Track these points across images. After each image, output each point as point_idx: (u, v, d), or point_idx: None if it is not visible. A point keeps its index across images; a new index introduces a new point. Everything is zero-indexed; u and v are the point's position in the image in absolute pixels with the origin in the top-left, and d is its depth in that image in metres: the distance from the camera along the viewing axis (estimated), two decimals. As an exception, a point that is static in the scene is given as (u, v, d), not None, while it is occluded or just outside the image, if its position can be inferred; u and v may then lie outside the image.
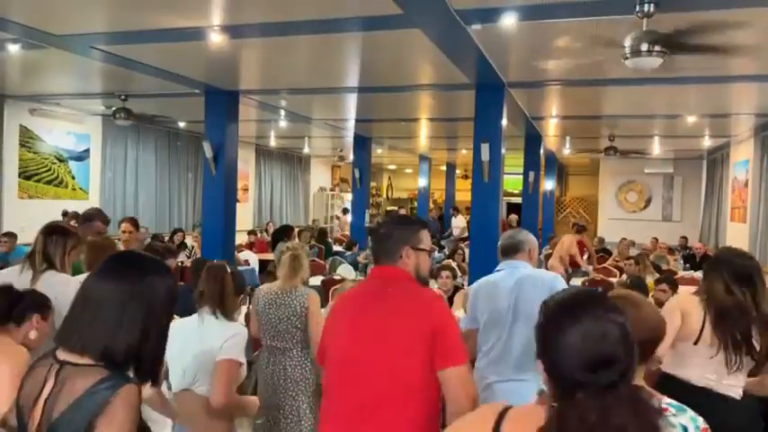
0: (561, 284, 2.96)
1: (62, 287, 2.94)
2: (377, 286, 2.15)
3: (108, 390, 1.41)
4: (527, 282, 2.97)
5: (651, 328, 1.76)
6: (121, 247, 5.87)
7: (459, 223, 14.31)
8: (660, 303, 5.01)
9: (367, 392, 1.96)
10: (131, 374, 1.51)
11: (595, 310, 1.27)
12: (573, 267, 9.45)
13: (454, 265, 7.48)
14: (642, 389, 1.32)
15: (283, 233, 8.28)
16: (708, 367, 2.72)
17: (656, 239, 11.89)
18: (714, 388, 2.71)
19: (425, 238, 2.18)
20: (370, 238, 2.31)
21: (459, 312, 4.86)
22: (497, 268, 3.19)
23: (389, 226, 2.24)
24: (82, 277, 3.69)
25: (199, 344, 2.61)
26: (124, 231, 5.97)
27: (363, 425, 1.96)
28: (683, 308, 2.79)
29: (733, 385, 2.73)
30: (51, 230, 3.16)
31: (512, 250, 3.16)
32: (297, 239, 8.54)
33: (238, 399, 2.67)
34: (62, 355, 1.51)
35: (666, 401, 1.61)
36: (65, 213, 6.27)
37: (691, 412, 1.58)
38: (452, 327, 2.02)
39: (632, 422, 1.17)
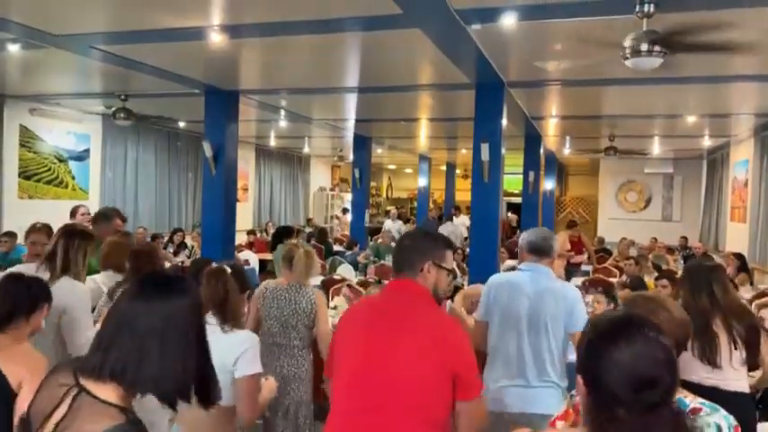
0: (581, 303, 2.99)
1: (72, 295, 2.89)
2: (394, 300, 2.11)
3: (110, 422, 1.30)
4: (549, 295, 2.93)
5: (683, 327, 1.82)
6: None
7: (464, 222, 14.28)
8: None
9: (376, 412, 1.92)
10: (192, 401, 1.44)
11: (647, 332, 1.30)
12: (570, 266, 9.43)
13: (454, 265, 7.48)
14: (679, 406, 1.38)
15: (283, 235, 8.27)
16: (705, 368, 2.95)
17: (656, 239, 11.90)
18: (720, 386, 2.91)
19: (449, 257, 2.18)
20: (391, 246, 2.30)
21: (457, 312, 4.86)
22: (521, 267, 3.10)
23: (416, 238, 2.22)
24: (99, 278, 3.68)
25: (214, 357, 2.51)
26: (83, 215, 6.10)
27: None
28: None
29: (737, 380, 2.97)
30: (73, 233, 3.06)
31: (542, 253, 3.05)
32: (295, 238, 8.55)
33: (263, 403, 2.61)
34: (82, 379, 1.38)
35: (700, 401, 1.64)
36: (73, 212, 6.30)
37: (723, 411, 1.61)
38: (470, 359, 2.00)
39: None
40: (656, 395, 1.24)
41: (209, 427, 2.41)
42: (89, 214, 6.11)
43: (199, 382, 1.47)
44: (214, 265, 2.79)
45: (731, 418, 1.60)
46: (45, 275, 2.94)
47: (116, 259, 3.62)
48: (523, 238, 3.17)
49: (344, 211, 17.27)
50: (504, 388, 2.89)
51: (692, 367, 2.92)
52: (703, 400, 1.65)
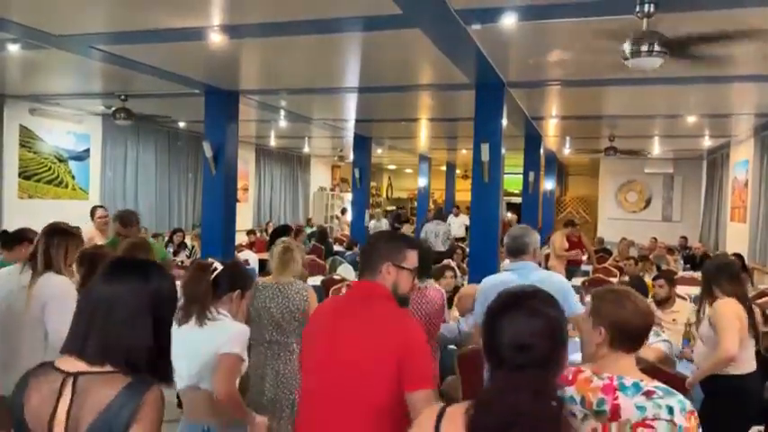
0: (571, 291, 3.14)
1: (53, 290, 2.94)
2: (354, 301, 2.17)
3: (137, 395, 1.42)
4: (537, 285, 3.00)
5: (647, 317, 1.91)
6: (97, 235, 6.04)
7: (462, 222, 14.28)
8: (659, 300, 5.05)
9: (335, 410, 1.98)
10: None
11: (530, 303, 1.51)
12: (570, 266, 9.41)
13: (453, 264, 7.48)
14: (554, 378, 1.48)
15: (281, 234, 8.31)
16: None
17: (656, 239, 11.89)
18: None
19: (411, 257, 2.17)
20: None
21: (456, 313, 4.87)
22: (506, 268, 3.28)
23: (376, 240, 2.26)
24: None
25: (204, 344, 2.58)
26: (100, 218, 6.22)
27: None
28: (739, 313, 3.40)
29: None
30: (53, 231, 3.13)
31: (518, 252, 3.24)
32: (295, 240, 8.58)
33: (240, 398, 2.66)
34: (70, 365, 1.47)
35: (654, 385, 1.70)
36: (92, 213, 6.43)
37: (679, 396, 1.67)
38: (423, 349, 2.01)
39: (527, 403, 1.36)
40: (527, 358, 1.41)
41: (212, 415, 2.56)
42: (107, 217, 6.29)
43: (165, 361, 1.57)
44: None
45: (687, 402, 1.66)
46: (28, 275, 2.99)
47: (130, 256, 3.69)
48: (505, 243, 3.35)
49: (343, 211, 17.28)
50: None
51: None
52: (659, 384, 1.71)
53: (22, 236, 4.20)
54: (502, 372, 1.43)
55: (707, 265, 3.84)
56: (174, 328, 2.45)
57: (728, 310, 3.39)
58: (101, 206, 6.85)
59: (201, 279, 2.70)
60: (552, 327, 1.47)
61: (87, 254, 3.38)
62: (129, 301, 1.51)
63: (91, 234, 6.29)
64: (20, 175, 9.25)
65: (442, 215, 13.17)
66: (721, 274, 3.54)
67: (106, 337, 1.48)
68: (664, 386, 1.71)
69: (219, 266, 2.78)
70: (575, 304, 3.03)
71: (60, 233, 3.13)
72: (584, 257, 9.97)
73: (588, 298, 2.03)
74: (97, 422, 1.40)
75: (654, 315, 2.04)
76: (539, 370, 1.41)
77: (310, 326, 2.23)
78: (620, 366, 1.78)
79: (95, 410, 1.41)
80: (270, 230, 12.67)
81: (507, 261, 3.39)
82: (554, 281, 3.17)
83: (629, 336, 1.83)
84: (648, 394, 1.66)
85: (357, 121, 10.51)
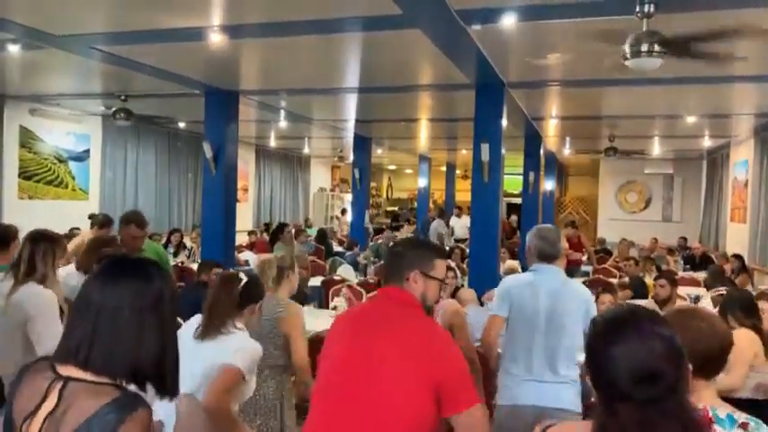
0: (593, 303, 3.14)
1: (38, 303, 2.86)
2: (383, 308, 2.05)
3: (122, 412, 1.29)
4: (566, 294, 3.04)
5: (717, 337, 1.77)
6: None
7: (465, 223, 14.29)
8: (660, 300, 5.06)
9: (353, 425, 1.85)
10: (146, 392, 1.41)
11: (642, 325, 1.31)
12: (570, 266, 9.41)
13: (453, 265, 7.48)
14: (690, 404, 1.33)
15: (278, 233, 8.40)
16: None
17: (656, 240, 11.89)
18: None
19: (440, 267, 2.10)
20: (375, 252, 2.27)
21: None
22: (533, 269, 3.14)
23: (406, 246, 2.18)
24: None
25: (214, 355, 2.49)
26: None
27: None
28: (753, 343, 3.48)
29: None
30: (38, 238, 3.01)
31: (552, 257, 3.12)
32: (294, 240, 8.59)
33: (234, 413, 2.53)
34: (64, 370, 1.37)
35: (746, 416, 1.61)
36: (91, 216, 6.43)
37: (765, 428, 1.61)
38: (459, 367, 1.89)
39: None
40: (658, 389, 1.24)
41: (200, 421, 2.41)
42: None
43: (172, 372, 1.45)
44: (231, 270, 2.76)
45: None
46: (9, 283, 2.90)
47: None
48: (533, 243, 3.14)
49: (343, 211, 17.28)
50: (517, 382, 2.97)
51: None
52: (749, 415, 1.63)
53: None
54: (628, 405, 1.25)
55: (725, 296, 4.04)
56: (190, 340, 2.40)
57: (743, 340, 3.41)
58: (104, 216, 6.83)
59: (230, 292, 2.61)
60: (675, 348, 1.30)
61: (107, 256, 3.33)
62: (134, 305, 1.40)
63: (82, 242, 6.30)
64: (20, 175, 9.25)
65: (445, 215, 13.30)
66: (735, 305, 3.65)
67: (112, 346, 1.37)
68: (755, 418, 1.62)
69: (245, 278, 2.70)
70: None
71: (46, 240, 3.02)
72: (584, 258, 9.98)
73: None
74: None
75: (732, 336, 1.87)
76: (674, 399, 1.26)
77: (330, 337, 2.09)
78: (705, 397, 1.65)
79: (77, 420, 1.29)
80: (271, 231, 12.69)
81: (531, 263, 3.22)
82: (582, 294, 3.12)
83: (708, 361, 1.67)
84: (743, 426, 1.58)
85: (357, 121, 10.51)
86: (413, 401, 1.81)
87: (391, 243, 10.33)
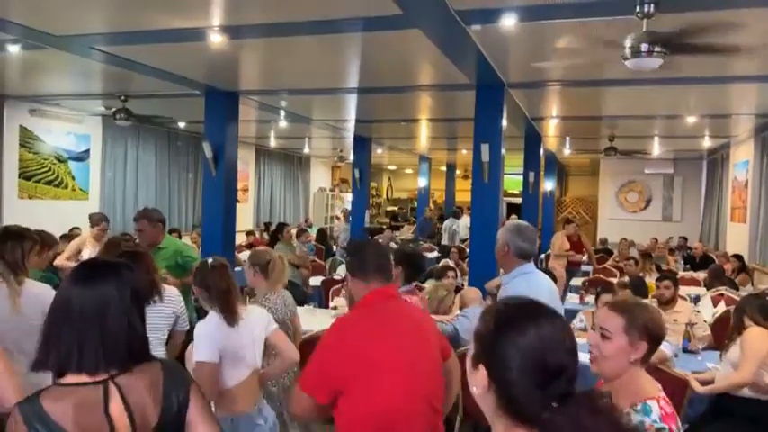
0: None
1: (50, 293, 2.81)
2: (400, 306, 2.38)
3: (179, 372, 1.61)
4: (554, 291, 3.13)
5: (661, 327, 1.93)
6: (90, 242, 6.26)
7: (465, 223, 14.31)
8: (663, 301, 5.05)
9: (424, 387, 2.17)
10: None
11: (553, 317, 1.22)
12: (570, 266, 9.41)
13: (452, 264, 7.48)
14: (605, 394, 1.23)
15: (278, 233, 8.43)
16: None
17: (656, 240, 11.89)
18: None
19: None
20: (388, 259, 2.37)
21: (457, 311, 4.88)
22: (527, 270, 3.00)
23: (383, 248, 2.56)
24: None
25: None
26: (101, 229, 6.49)
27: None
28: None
29: None
30: (5, 236, 2.98)
31: (531, 257, 3.05)
32: (294, 240, 8.60)
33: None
34: (90, 377, 1.47)
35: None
36: (91, 218, 6.54)
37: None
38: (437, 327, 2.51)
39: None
40: (564, 385, 1.13)
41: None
42: (106, 231, 6.49)
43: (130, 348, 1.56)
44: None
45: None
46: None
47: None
48: (513, 242, 2.99)
49: (342, 212, 17.27)
50: None
51: None
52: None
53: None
54: (539, 408, 1.11)
55: (743, 298, 4.08)
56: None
57: (758, 338, 3.47)
58: (100, 214, 6.87)
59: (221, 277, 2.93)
60: (576, 344, 1.22)
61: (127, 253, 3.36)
62: (119, 304, 1.52)
63: (83, 240, 6.33)
64: (20, 175, 9.24)
65: (456, 214, 13.56)
66: (754, 306, 3.68)
67: (103, 346, 1.48)
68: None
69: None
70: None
71: (12, 237, 2.99)
72: (584, 257, 9.99)
73: (606, 318, 1.95)
74: (167, 398, 1.52)
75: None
76: (590, 399, 1.14)
77: (366, 334, 2.17)
78: (647, 388, 1.79)
79: (155, 391, 1.51)
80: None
81: (508, 263, 3.10)
82: (550, 281, 3.17)
83: (657, 344, 1.84)
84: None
85: (357, 121, 10.50)
86: (440, 362, 2.30)
87: (392, 244, 10.37)
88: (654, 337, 1.86)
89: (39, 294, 2.84)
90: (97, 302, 1.51)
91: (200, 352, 2.66)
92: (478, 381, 1.18)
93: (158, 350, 3.17)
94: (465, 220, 14.19)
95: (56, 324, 1.51)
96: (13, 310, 2.78)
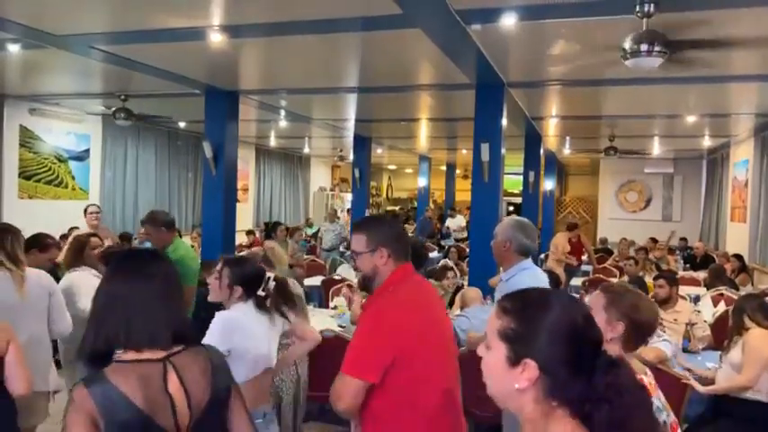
0: None
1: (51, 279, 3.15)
2: (425, 281, 2.42)
3: (215, 353, 1.72)
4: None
5: (653, 314, 1.99)
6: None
7: (459, 223, 14.32)
8: (660, 299, 5.05)
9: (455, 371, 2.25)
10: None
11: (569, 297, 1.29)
12: (568, 266, 9.42)
13: (452, 264, 7.49)
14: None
15: (273, 231, 8.51)
16: None
17: (655, 240, 11.85)
18: None
19: None
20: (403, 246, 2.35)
21: (457, 311, 4.88)
22: (527, 266, 3.04)
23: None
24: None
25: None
26: (91, 213, 6.50)
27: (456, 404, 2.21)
28: None
29: None
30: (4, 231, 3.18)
31: (531, 253, 3.08)
32: (290, 238, 8.66)
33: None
34: (148, 354, 1.59)
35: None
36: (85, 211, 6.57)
37: None
38: None
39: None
40: (604, 356, 1.17)
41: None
42: (98, 213, 6.50)
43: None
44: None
45: None
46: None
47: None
48: (516, 239, 3.02)
49: (348, 211, 17.26)
50: None
51: None
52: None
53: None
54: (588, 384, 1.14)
55: (740, 297, 4.08)
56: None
57: (760, 340, 3.47)
58: (93, 204, 6.91)
59: None
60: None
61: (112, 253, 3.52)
62: (173, 286, 1.71)
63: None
64: (20, 175, 9.24)
65: (451, 214, 13.81)
66: (755, 306, 3.67)
67: (174, 322, 1.65)
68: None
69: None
70: None
71: (6, 230, 3.19)
72: (584, 257, 9.99)
73: (593, 296, 2.03)
74: (215, 383, 1.62)
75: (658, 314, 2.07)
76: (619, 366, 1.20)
77: (414, 330, 2.11)
78: (635, 366, 1.79)
79: (206, 377, 1.62)
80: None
81: (507, 260, 3.14)
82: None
83: (642, 333, 1.85)
84: None
85: (357, 120, 10.50)
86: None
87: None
88: (635, 323, 1.89)
89: (39, 278, 3.12)
90: (139, 289, 1.63)
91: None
92: (524, 376, 1.17)
93: None
94: (457, 220, 14.21)
95: (103, 309, 1.64)
96: (21, 297, 2.99)
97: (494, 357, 1.22)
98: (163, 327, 1.61)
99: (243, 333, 2.70)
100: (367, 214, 12.30)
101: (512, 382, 1.18)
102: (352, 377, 2.03)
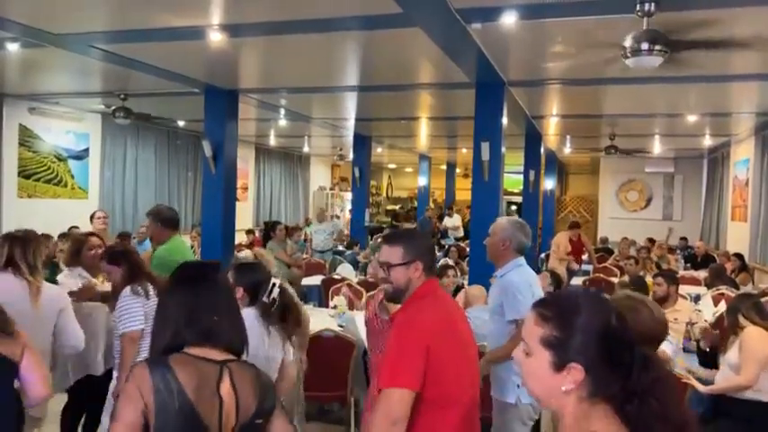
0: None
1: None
2: (448, 296, 2.44)
3: (263, 373, 1.82)
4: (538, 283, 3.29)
5: (662, 325, 1.99)
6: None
7: (454, 223, 14.30)
8: (657, 298, 5.04)
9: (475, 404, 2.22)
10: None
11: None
12: (570, 270, 9.40)
13: (451, 263, 7.47)
14: None
15: (271, 230, 8.48)
16: None
17: (653, 240, 11.80)
18: None
19: None
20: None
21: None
22: (520, 263, 3.27)
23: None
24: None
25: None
26: (99, 218, 6.53)
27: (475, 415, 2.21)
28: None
29: None
30: (24, 240, 3.16)
31: (525, 251, 3.28)
32: (289, 238, 8.63)
33: None
34: (210, 353, 1.69)
35: None
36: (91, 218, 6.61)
37: None
38: None
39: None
40: (639, 351, 1.26)
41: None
42: (106, 218, 6.56)
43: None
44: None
45: None
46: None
47: None
48: (515, 237, 3.22)
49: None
50: None
51: None
52: None
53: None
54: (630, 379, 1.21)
55: (735, 297, 4.08)
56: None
57: (757, 339, 3.47)
58: (100, 209, 6.92)
59: None
60: None
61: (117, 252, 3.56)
62: (234, 300, 1.89)
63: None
64: (19, 174, 9.23)
65: (448, 214, 13.83)
66: (750, 305, 3.67)
67: (234, 329, 1.78)
68: None
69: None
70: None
71: (27, 240, 3.18)
72: (584, 256, 9.98)
73: None
74: (260, 396, 1.70)
75: (668, 323, 2.04)
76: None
77: (445, 336, 2.12)
78: None
79: (254, 389, 1.69)
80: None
81: (504, 257, 3.35)
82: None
83: (643, 341, 1.81)
84: None
85: (357, 120, 10.49)
86: None
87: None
88: (636, 333, 1.88)
89: (54, 297, 3.15)
90: (207, 294, 1.78)
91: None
92: (570, 379, 1.22)
93: None
94: (453, 220, 14.20)
95: (175, 308, 1.76)
96: (34, 307, 3.02)
97: (537, 363, 1.27)
98: (225, 330, 1.74)
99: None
100: (366, 214, 12.30)
101: (557, 386, 1.23)
102: (395, 388, 1.95)
